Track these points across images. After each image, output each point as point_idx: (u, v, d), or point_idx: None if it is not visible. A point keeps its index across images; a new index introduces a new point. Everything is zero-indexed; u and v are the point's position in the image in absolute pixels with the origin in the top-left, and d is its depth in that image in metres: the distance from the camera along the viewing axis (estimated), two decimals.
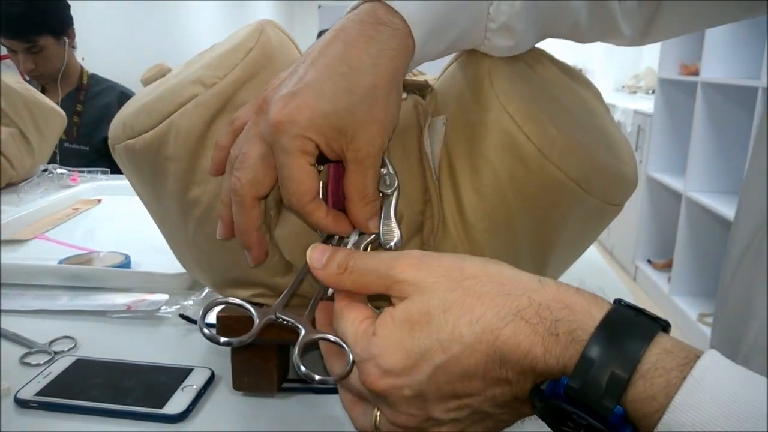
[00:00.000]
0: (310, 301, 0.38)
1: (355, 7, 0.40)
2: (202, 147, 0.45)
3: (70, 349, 0.61)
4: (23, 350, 0.61)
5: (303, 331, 0.35)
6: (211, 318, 0.62)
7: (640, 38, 0.52)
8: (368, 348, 0.31)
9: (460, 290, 0.30)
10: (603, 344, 0.27)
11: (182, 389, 0.53)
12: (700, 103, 2.56)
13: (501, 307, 0.29)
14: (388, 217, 0.39)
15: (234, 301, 0.37)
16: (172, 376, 0.55)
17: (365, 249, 0.39)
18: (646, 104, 3.32)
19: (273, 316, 0.36)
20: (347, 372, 0.33)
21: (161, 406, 0.51)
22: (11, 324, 0.65)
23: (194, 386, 0.53)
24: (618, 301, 0.30)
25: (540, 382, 0.29)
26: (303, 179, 0.36)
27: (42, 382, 0.54)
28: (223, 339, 0.34)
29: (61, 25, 1.64)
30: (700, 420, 0.24)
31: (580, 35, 0.50)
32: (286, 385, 0.54)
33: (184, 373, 0.56)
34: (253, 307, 0.36)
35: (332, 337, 0.34)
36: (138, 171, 0.49)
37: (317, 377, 0.32)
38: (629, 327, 0.27)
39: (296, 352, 0.33)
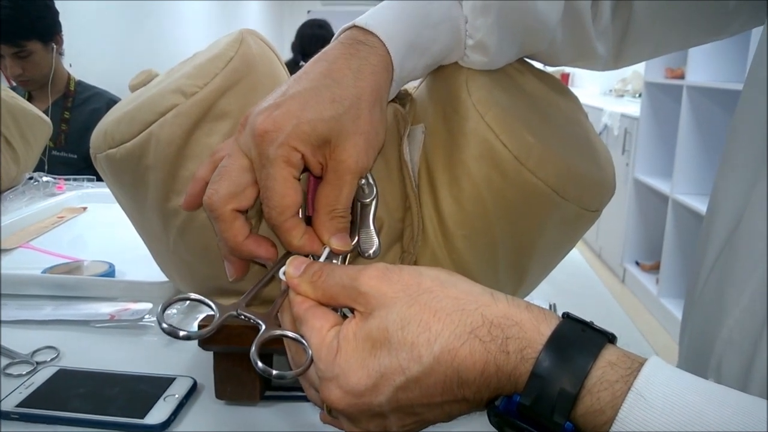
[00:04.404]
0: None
1: (337, 36, 0.41)
2: (182, 157, 0.45)
3: (52, 359, 0.61)
4: (5, 361, 0.60)
5: (263, 327, 0.35)
6: (193, 326, 0.62)
7: (614, 62, 0.54)
8: (331, 367, 0.31)
9: (417, 305, 0.31)
10: (551, 361, 0.28)
11: (164, 399, 0.53)
12: (686, 106, 2.59)
13: (456, 325, 0.30)
14: (366, 226, 0.39)
15: (195, 297, 0.37)
16: (155, 386, 0.55)
17: (344, 258, 0.39)
18: (633, 107, 3.35)
19: (234, 312, 0.36)
20: (304, 369, 0.33)
21: (142, 416, 0.51)
22: None
23: (176, 396, 0.53)
24: (566, 315, 0.30)
25: (494, 397, 0.30)
26: (286, 193, 0.35)
27: (24, 393, 0.54)
28: (182, 333, 0.34)
29: (49, 30, 1.63)
30: (646, 429, 0.25)
31: (555, 56, 0.51)
32: (268, 393, 0.54)
33: (166, 382, 0.55)
34: (215, 303, 0.36)
35: (291, 334, 0.34)
36: (119, 181, 0.49)
37: (274, 372, 0.33)
38: (576, 343, 0.28)
39: (253, 348, 0.33)
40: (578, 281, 0.84)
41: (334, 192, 0.37)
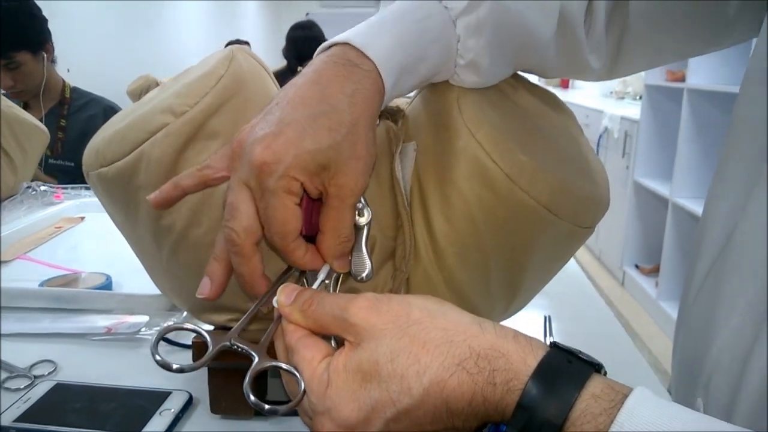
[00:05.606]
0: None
1: (326, 48, 0.41)
2: (173, 175, 0.45)
3: (50, 373, 0.62)
4: (4, 375, 0.61)
5: (256, 359, 0.35)
6: (187, 341, 0.62)
7: (607, 73, 0.53)
8: (323, 400, 0.32)
9: (407, 337, 0.31)
10: (536, 393, 0.28)
11: (160, 413, 0.53)
12: (686, 109, 2.59)
13: (445, 357, 0.30)
14: (359, 249, 0.39)
15: (189, 327, 0.37)
16: (150, 400, 0.55)
17: (336, 280, 0.39)
18: (634, 110, 3.35)
19: (228, 343, 0.36)
20: (296, 402, 0.33)
21: (138, 431, 0.51)
22: None
23: (172, 410, 0.54)
24: (554, 345, 0.31)
25: (483, 424, 0.30)
26: (287, 220, 0.36)
27: (21, 407, 0.54)
28: (175, 366, 0.34)
29: (38, 40, 1.62)
30: None
31: (547, 70, 0.51)
32: None
33: (162, 396, 0.56)
34: (208, 334, 0.36)
35: (284, 366, 0.34)
36: (111, 198, 0.49)
37: (267, 407, 0.33)
38: (561, 374, 0.29)
39: (246, 380, 0.33)
40: (574, 292, 0.83)
41: (338, 215, 0.37)
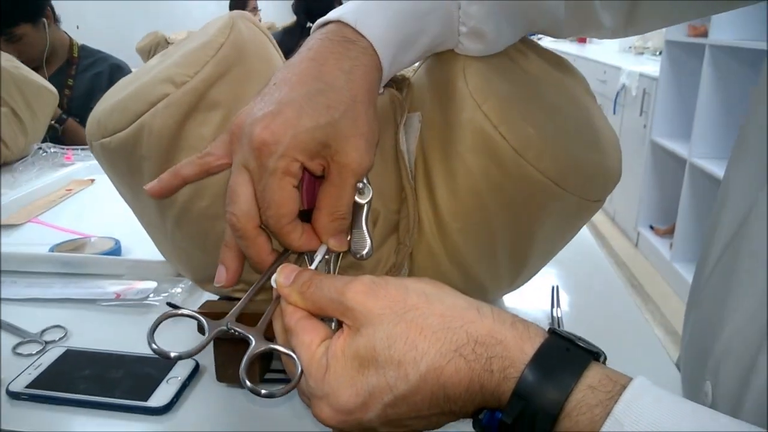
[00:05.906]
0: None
1: (321, 26, 0.39)
2: (175, 146, 0.45)
3: (60, 339, 0.62)
4: (16, 340, 0.62)
5: (253, 343, 0.35)
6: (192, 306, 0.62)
7: (623, 30, 0.51)
8: (321, 385, 0.32)
9: (404, 323, 0.30)
10: (532, 381, 0.28)
11: (167, 381, 0.54)
12: (708, 66, 2.50)
13: (442, 343, 0.30)
14: (359, 227, 0.39)
15: (185, 312, 0.37)
16: (158, 368, 0.56)
17: (336, 258, 0.39)
18: (653, 66, 3.25)
19: (225, 327, 0.36)
20: (293, 385, 0.33)
21: (146, 399, 0.52)
22: (4, 312, 0.66)
23: (179, 378, 0.54)
24: (552, 331, 0.30)
25: (479, 410, 0.30)
26: (284, 202, 0.35)
27: (33, 373, 0.55)
28: (172, 354, 0.34)
29: (36, 9, 1.59)
30: None
31: (559, 30, 0.48)
32: (268, 376, 0.55)
33: (169, 364, 0.56)
34: (205, 318, 0.36)
35: (281, 348, 0.34)
36: (114, 168, 0.49)
37: (263, 391, 0.33)
38: (558, 363, 0.28)
39: (243, 364, 0.33)
40: (584, 260, 0.82)
41: (337, 193, 0.36)
